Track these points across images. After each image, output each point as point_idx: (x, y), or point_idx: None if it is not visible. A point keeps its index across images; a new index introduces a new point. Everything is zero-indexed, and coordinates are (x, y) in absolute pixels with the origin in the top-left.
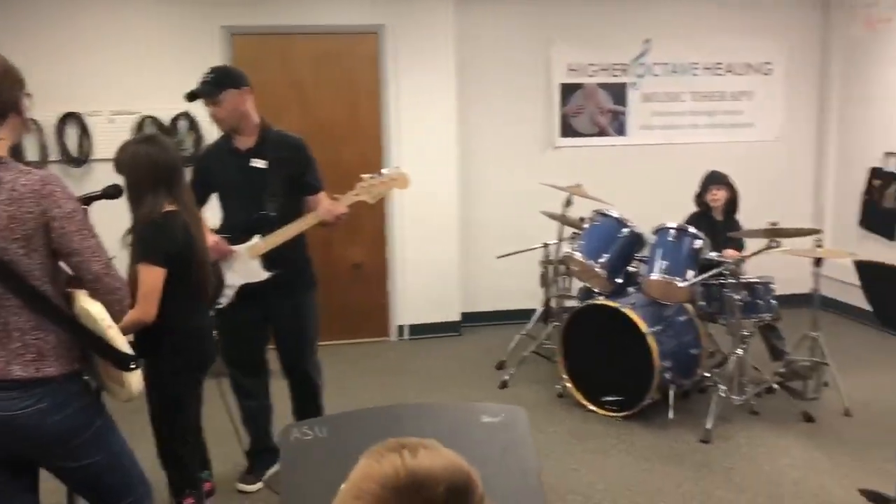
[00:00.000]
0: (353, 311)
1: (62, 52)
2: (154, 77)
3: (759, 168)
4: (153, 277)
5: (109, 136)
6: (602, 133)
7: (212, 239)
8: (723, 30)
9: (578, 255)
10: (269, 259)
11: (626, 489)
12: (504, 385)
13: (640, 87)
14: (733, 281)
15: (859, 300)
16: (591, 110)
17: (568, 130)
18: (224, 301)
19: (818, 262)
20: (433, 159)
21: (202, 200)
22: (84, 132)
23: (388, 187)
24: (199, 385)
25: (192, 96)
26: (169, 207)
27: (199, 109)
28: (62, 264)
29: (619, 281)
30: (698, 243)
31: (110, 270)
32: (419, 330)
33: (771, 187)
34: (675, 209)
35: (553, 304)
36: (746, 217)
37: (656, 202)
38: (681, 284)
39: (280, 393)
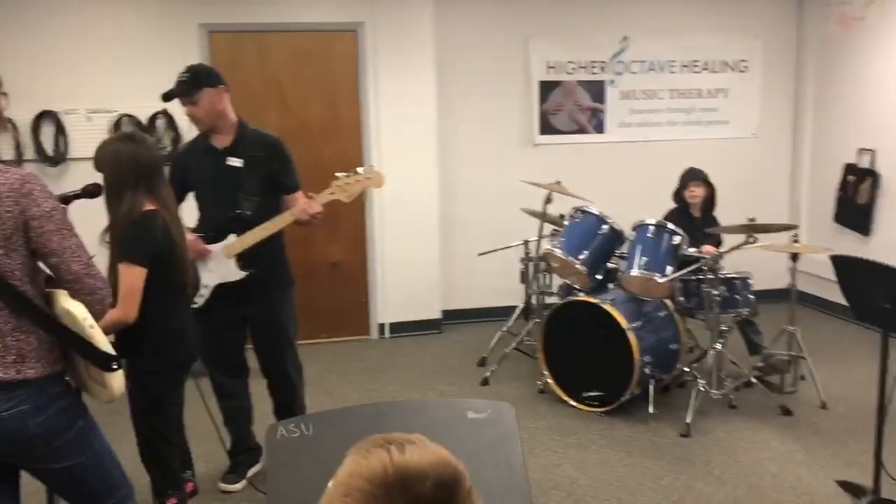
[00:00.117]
0: (333, 309)
1: (37, 50)
2: (131, 75)
3: (736, 165)
4: (134, 277)
5: (86, 135)
6: (581, 130)
7: (188, 238)
8: (700, 28)
9: (559, 252)
10: (244, 258)
11: (608, 484)
12: (485, 382)
13: (618, 85)
14: (711, 276)
15: (835, 295)
16: (570, 108)
17: (547, 128)
18: (199, 301)
19: (795, 257)
20: (413, 157)
21: (179, 199)
22: (60, 131)
23: (363, 186)
24: (180, 385)
25: (168, 96)
26: (149, 206)
27: (176, 108)
28: (41, 264)
29: (599, 277)
30: (677, 239)
31: (91, 270)
32: (400, 328)
33: (747, 184)
34: (654, 206)
35: (534, 300)
36: (723, 213)
37: (635, 199)
38: (660, 280)
39: (262, 392)
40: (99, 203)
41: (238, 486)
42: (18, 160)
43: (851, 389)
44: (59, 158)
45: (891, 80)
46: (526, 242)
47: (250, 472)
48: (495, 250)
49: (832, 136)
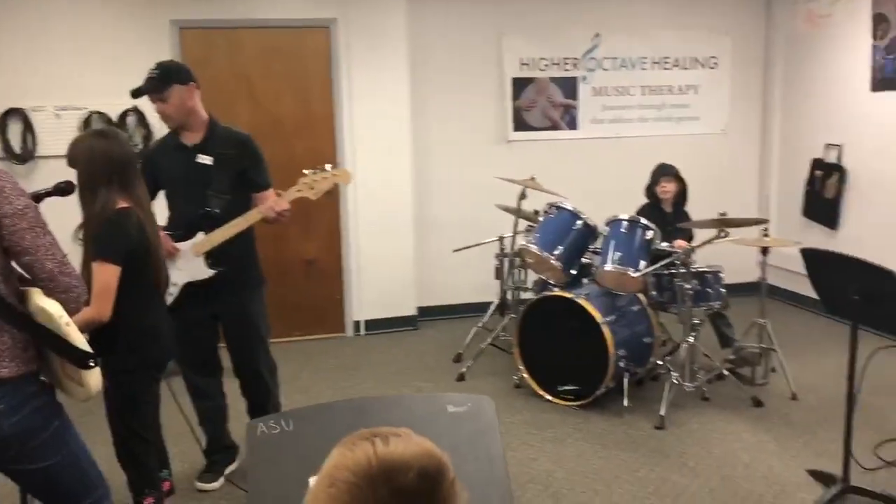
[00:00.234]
0: (308, 307)
1: (4, 46)
2: (101, 71)
3: (706, 160)
4: (108, 275)
5: (55, 133)
6: (554, 127)
7: None
8: (670, 25)
9: (534, 248)
10: (213, 256)
11: (584, 476)
12: (461, 377)
13: (590, 82)
14: (684, 271)
15: (804, 288)
16: (543, 104)
17: (521, 124)
18: (168, 299)
19: (765, 251)
20: (387, 154)
21: (150, 196)
22: (28, 128)
23: (330, 183)
24: (155, 383)
25: (137, 93)
26: (123, 203)
27: (148, 105)
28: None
29: (574, 272)
30: (650, 234)
31: (65, 268)
32: (375, 325)
33: (717, 179)
34: (626, 201)
35: (509, 296)
36: (694, 208)
37: (607, 195)
38: (634, 275)
39: (237, 390)
40: (71, 201)
41: (215, 485)
42: None
43: (821, 381)
44: (26, 156)
45: (856, 77)
46: (501, 238)
47: (227, 471)
48: (470, 247)
49: (800, 132)
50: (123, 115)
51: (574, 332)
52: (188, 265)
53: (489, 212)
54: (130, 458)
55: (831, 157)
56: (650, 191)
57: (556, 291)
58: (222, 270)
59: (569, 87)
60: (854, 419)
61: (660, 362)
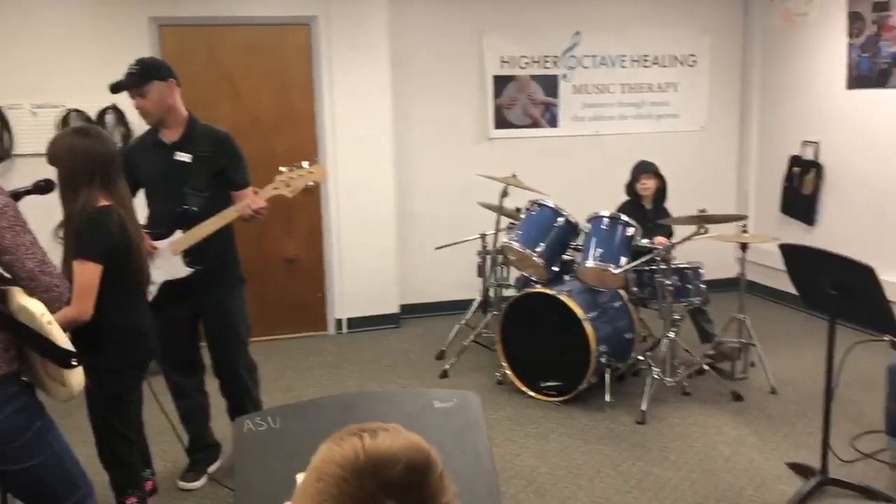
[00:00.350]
0: (289, 305)
1: None
2: (79, 69)
3: (686, 157)
4: (89, 274)
5: (32, 131)
6: (535, 124)
7: None
8: (649, 23)
9: (516, 245)
10: (191, 255)
11: (567, 471)
12: (444, 374)
13: (570, 79)
14: (664, 267)
15: (782, 283)
16: (524, 102)
17: (502, 122)
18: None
19: (744, 247)
20: (369, 151)
21: (131, 194)
22: (4, 126)
23: (307, 180)
24: (138, 383)
25: (116, 87)
26: (104, 202)
27: (126, 103)
28: None
29: (556, 269)
30: (631, 231)
31: (46, 267)
32: (357, 323)
33: (697, 175)
34: (607, 198)
35: (491, 293)
36: (674, 205)
37: (588, 192)
38: (615, 271)
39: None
40: (50, 199)
41: (198, 483)
42: None
43: (799, 375)
44: (3, 155)
45: (832, 74)
46: (483, 236)
47: (211, 469)
48: (453, 244)
49: (778, 129)
50: (102, 113)
51: (556, 328)
52: (166, 263)
53: (471, 209)
54: (113, 458)
55: (808, 154)
56: (630, 188)
57: (539, 288)
58: (200, 269)
59: (549, 84)
60: (832, 412)
61: (641, 358)
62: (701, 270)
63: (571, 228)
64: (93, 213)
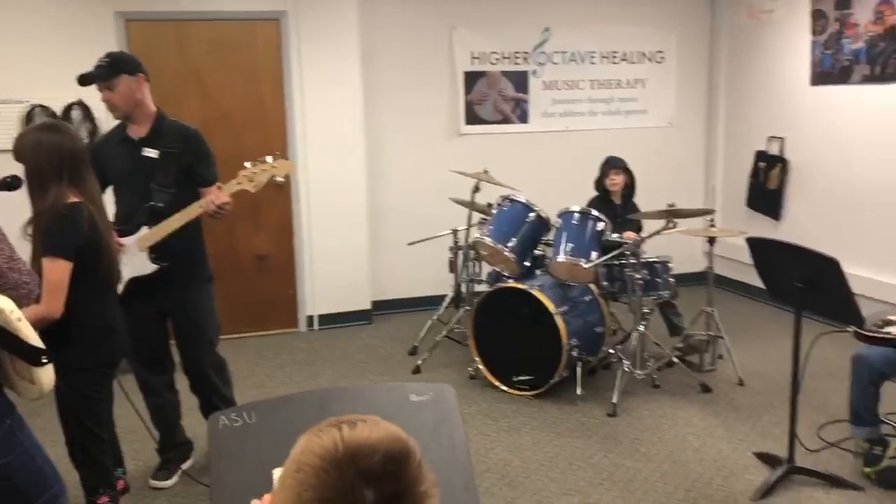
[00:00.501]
0: (260, 302)
1: None
2: (44, 64)
3: (654, 153)
4: (59, 271)
5: None
6: (505, 120)
7: None
8: (618, 19)
9: (488, 240)
10: (156, 251)
11: (540, 464)
12: (417, 370)
13: (540, 75)
14: (634, 261)
15: (749, 277)
16: (495, 98)
17: (473, 118)
18: None
19: (712, 241)
20: (340, 147)
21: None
22: None
23: (270, 175)
24: (109, 381)
25: (85, 79)
26: (73, 198)
27: (93, 99)
28: None
29: (527, 264)
30: (601, 226)
31: (14, 264)
32: (329, 320)
33: (665, 171)
34: (577, 194)
35: (463, 288)
36: (642, 200)
37: (558, 187)
38: (585, 265)
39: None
40: (17, 196)
41: (169, 482)
42: None
43: (766, 366)
44: None
45: (797, 71)
46: (455, 231)
47: (183, 468)
48: (424, 240)
49: (744, 125)
50: (68, 108)
51: (528, 322)
52: (132, 260)
53: (443, 205)
54: (85, 457)
55: (774, 150)
56: (599, 183)
57: (510, 283)
58: (165, 266)
59: (520, 80)
60: (798, 403)
61: (611, 351)
62: (670, 264)
63: (542, 224)
64: (62, 210)
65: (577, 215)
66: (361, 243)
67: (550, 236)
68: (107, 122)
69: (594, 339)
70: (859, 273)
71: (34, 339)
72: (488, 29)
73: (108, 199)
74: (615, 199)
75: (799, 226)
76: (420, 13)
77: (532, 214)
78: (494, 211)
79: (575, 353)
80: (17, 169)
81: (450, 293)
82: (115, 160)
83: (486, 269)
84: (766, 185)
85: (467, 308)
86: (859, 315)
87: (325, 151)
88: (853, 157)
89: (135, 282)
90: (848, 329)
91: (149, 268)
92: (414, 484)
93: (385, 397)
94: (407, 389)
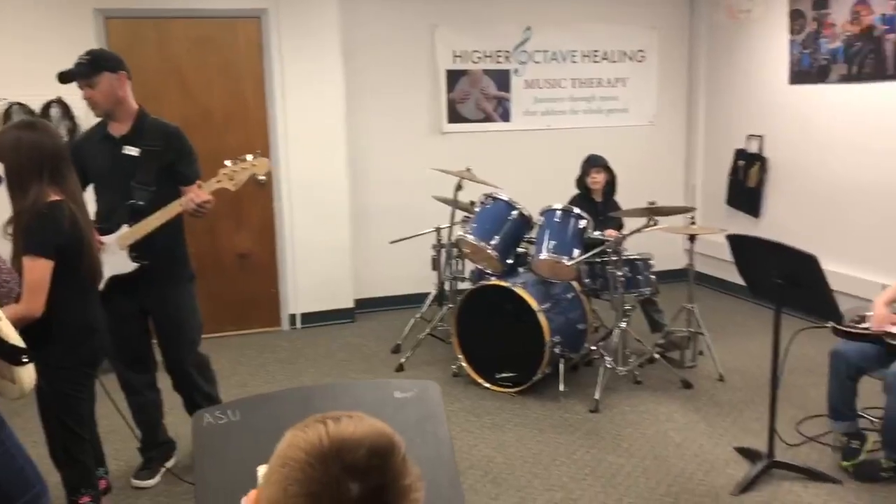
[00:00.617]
0: (242, 301)
1: None
2: (22, 62)
3: (635, 151)
4: (40, 270)
5: None
6: (488, 119)
7: None
8: (599, 18)
9: (471, 238)
10: (137, 250)
11: (523, 461)
12: (400, 368)
13: (522, 74)
14: (615, 258)
15: (729, 274)
16: (477, 96)
17: (455, 116)
18: None
19: (692, 238)
20: (322, 145)
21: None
22: None
23: (250, 173)
24: (91, 380)
25: (65, 77)
26: (54, 196)
27: (72, 96)
28: None
29: (510, 261)
30: (583, 223)
31: None
32: (312, 318)
33: (645, 169)
34: (559, 192)
35: (446, 286)
36: (623, 198)
37: (540, 185)
38: (568, 263)
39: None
40: None
41: (151, 482)
42: None
43: (746, 362)
44: None
45: (775, 70)
46: (438, 229)
47: (165, 467)
48: (407, 238)
49: (723, 123)
50: (46, 106)
51: (511, 320)
52: (113, 258)
53: (426, 203)
54: (66, 457)
55: (753, 148)
56: (580, 182)
57: (493, 280)
58: (146, 264)
59: (501, 79)
60: (777, 398)
61: (593, 348)
62: (651, 262)
63: (525, 221)
64: (43, 209)
65: (559, 213)
66: (344, 241)
67: (533, 234)
68: (86, 119)
69: (576, 335)
70: (837, 269)
71: (14, 338)
72: (470, 27)
73: (89, 198)
74: (596, 197)
75: (778, 223)
76: (402, 11)
77: (514, 212)
78: (477, 209)
79: (557, 350)
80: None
81: (433, 291)
82: (95, 158)
83: (469, 266)
84: (746, 183)
85: (450, 306)
86: (837, 311)
87: (307, 149)
88: (831, 155)
89: (115, 280)
90: (826, 325)
91: (129, 266)
92: (399, 477)
93: (369, 394)
94: (391, 386)
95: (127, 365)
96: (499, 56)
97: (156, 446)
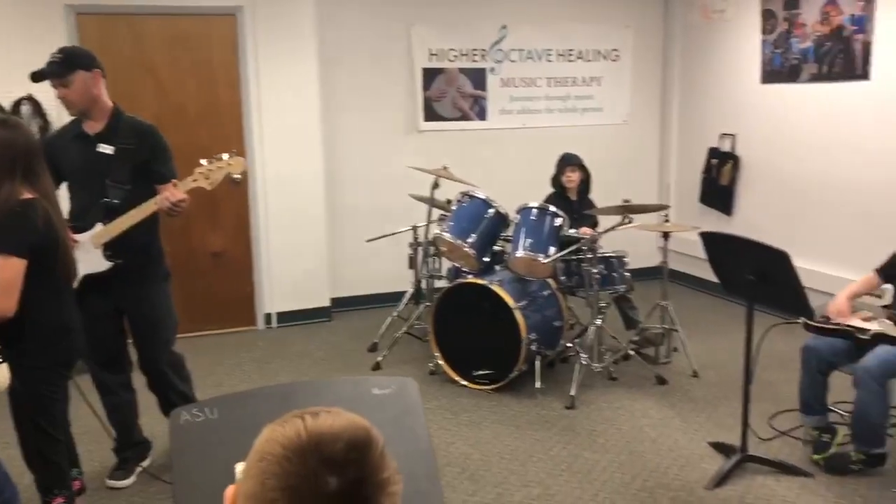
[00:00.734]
0: (217, 301)
1: None
2: None
3: (609, 150)
4: (12, 270)
5: None
6: (464, 117)
7: None
8: (574, 18)
9: (447, 236)
10: (111, 248)
11: (500, 457)
12: (377, 366)
13: (498, 73)
14: (591, 256)
15: (703, 271)
16: (453, 95)
17: (431, 114)
18: None
19: (666, 236)
20: (297, 144)
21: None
22: None
23: (225, 172)
24: (65, 381)
25: (38, 76)
26: (27, 194)
27: (43, 94)
28: None
29: (487, 259)
30: (559, 221)
31: None
32: (288, 317)
33: (620, 167)
34: (534, 190)
35: (423, 284)
36: (598, 196)
37: (516, 184)
38: (544, 261)
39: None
40: None
41: (126, 482)
42: None
43: (720, 358)
44: None
45: (747, 69)
46: (414, 227)
47: (141, 467)
48: (384, 236)
49: (697, 122)
50: (17, 104)
51: (488, 317)
52: (87, 257)
53: (402, 201)
54: (39, 458)
55: (726, 146)
56: (556, 180)
57: (470, 278)
58: (120, 263)
59: (478, 77)
60: (750, 393)
61: (569, 345)
62: (625, 259)
63: (501, 219)
64: (16, 207)
65: (535, 211)
66: (320, 240)
67: (509, 232)
68: (58, 117)
69: (553, 333)
70: (808, 266)
71: None
72: (446, 26)
73: (63, 196)
74: (571, 196)
75: (750, 220)
76: (378, 9)
77: (491, 210)
78: (454, 207)
79: (534, 347)
80: None
81: (410, 289)
82: (69, 156)
83: (446, 264)
84: (719, 181)
85: (427, 304)
86: (809, 307)
87: (282, 148)
88: (802, 153)
89: (90, 279)
90: (798, 321)
91: (103, 265)
92: (377, 471)
93: (347, 391)
94: (369, 383)
95: (101, 365)
96: (475, 54)
97: (131, 446)
